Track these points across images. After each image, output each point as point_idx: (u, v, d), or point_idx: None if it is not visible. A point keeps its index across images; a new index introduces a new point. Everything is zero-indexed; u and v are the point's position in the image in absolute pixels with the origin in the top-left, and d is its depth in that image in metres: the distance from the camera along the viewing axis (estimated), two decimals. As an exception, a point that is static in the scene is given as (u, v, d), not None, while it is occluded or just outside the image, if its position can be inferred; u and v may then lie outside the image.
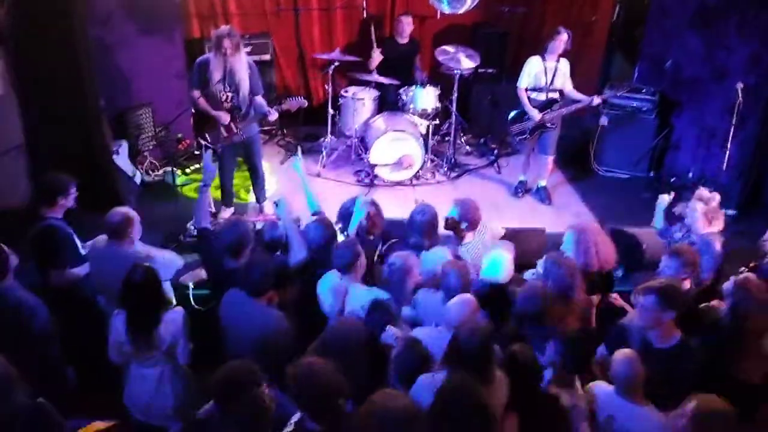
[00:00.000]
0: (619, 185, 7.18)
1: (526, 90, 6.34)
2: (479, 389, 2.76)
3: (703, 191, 4.57)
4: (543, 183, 6.81)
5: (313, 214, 4.53)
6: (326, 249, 4.05)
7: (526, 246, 4.86)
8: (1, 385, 2.81)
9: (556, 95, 6.37)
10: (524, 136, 6.49)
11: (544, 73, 6.27)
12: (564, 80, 6.36)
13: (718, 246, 4.29)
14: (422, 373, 3.09)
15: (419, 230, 4.34)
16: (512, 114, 6.53)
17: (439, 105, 7.23)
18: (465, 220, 4.47)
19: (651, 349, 3.39)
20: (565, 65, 6.32)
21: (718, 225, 4.42)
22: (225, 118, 5.54)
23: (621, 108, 7.21)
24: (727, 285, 3.73)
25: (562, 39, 6.13)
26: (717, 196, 4.55)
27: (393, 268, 3.85)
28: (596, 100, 6.29)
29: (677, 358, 3.33)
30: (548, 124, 6.39)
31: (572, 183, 7.18)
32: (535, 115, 6.31)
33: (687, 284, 3.89)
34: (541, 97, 6.37)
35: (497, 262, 3.96)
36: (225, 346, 3.66)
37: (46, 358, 3.61)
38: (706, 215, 4.40)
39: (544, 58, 6.25)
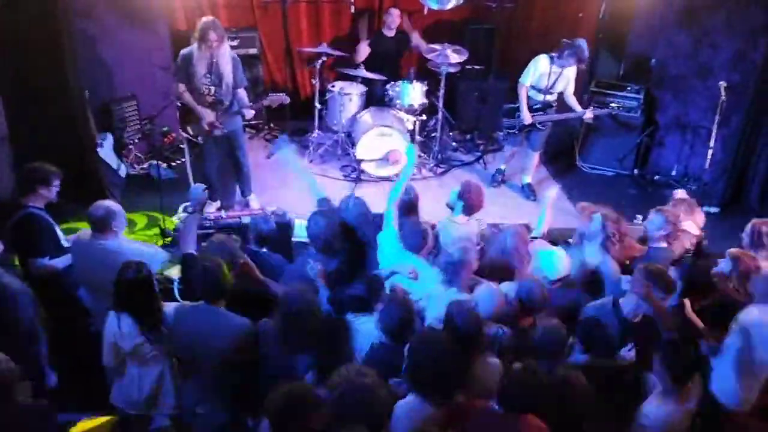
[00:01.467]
0: (604, 182, 7.24)
1: (527, 87, 6.36)
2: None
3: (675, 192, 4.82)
4: (528, 179, 6.84)
5: (320, 200, 4.50)
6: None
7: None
8: (2, 384, 2.82)
9: (553, 98, 6.41)
10: (513, 131, 6.55)
11: (548, 76, 6.28)
12: (566, 84, 6.38)
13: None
14: (408, 328, 3.28)
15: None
16: (505, 108, 6.61)
17: (426, 101, 7.26)
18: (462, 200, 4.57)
19: None
20: (571, 71, 6.31)
21: (693, 216, 4.56)
22: (209, 116, 5.53)
23: (606, 105, 7.26)
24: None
25: (581, 64, 6.19)
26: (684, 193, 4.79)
27: (450, 260, 3.82)
28: (588, 114, 6.36)
29: None
30: (538, 125, 6.43)
31: (557, 179, 7.22)
32: (526, 117, 6.35)
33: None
34: (539, 97, 6.41)
35: (551, 259, 4.08)
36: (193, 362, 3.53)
37: (29, 347, 3.60)
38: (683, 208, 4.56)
39: (552, 61, 6.23)
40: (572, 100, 6.44)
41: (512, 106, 6.54)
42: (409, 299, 3.51)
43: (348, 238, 4.13)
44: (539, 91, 6.37)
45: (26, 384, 3.21)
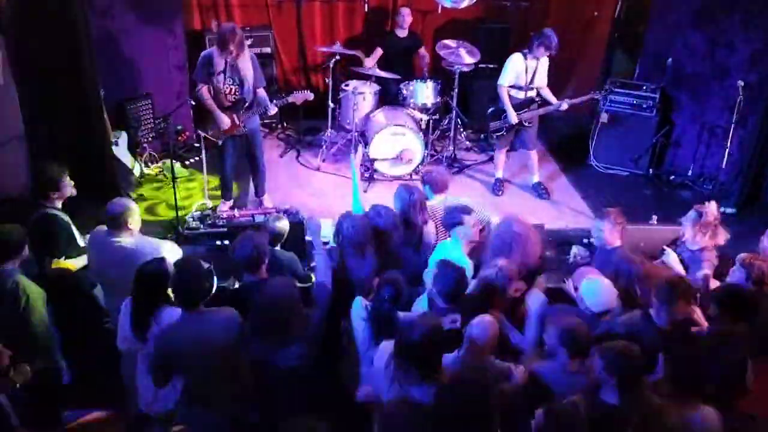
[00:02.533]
0: (619, 182, 7.19)
1: (507, 87, 6.35)
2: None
3: (707, 206, 4.41)
4: (536, 179, 6.82)
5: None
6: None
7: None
8: None
9: (534, 94, 6.41)
10: (501, 133, 6.53)
11: (525, 72, 6.28)
12: (542, 78, 6.38)
13: (706, 267, 4.22)
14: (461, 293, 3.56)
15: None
16: (491, 110, 6.57)
17: (439, 100, 7.25)
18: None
19: None
20: (545, 63, 6.33)
21: (715, 239, 4.35)
22: (226, 122, 5.57)
23: (621, 105, 7.21)
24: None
25: (551, 51, 6.13)
26: (715, 211, 4.39)
27: (498, 274, 3.68)
28: (564, 105, 6.33)
29: None
30: (525, 123, 6.42)
31: (570, 179, 7.19)
32: (513, 117, 6.33)
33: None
34: (521, 95, 6.40)
35: (592, 289, 3.76)
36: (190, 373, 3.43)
37: (42, 346, 3.64)
38: (698, 228, 4.34)
39: (525, 57, 6.25)
40: (547, 93, 6.43)
41: (495, 108, 6.52)
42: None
43: (381, 242, 4.12)
44: (519, 89, 6.36)
45: (24, 367, 3.24)
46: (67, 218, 4.26)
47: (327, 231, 4.49)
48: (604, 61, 8.34)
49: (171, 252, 4.20)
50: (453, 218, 4.17)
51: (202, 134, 5.72)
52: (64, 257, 4.19)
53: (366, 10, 7.80)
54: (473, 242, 4.20)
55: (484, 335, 3.25)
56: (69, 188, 4.30)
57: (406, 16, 7.41)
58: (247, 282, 3.83)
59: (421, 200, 4.45)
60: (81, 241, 4.32)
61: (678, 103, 7.15)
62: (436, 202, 4.68)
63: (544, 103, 6.45)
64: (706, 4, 6.69)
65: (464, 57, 6.99)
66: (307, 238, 5.13)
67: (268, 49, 7.59)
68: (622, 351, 2.99)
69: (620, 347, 3.03)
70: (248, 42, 6.95)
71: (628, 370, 2.97)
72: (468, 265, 3.96)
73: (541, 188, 6.79)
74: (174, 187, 5.70)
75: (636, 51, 7.80)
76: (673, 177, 7.05)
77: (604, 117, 7.23)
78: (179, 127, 7.11)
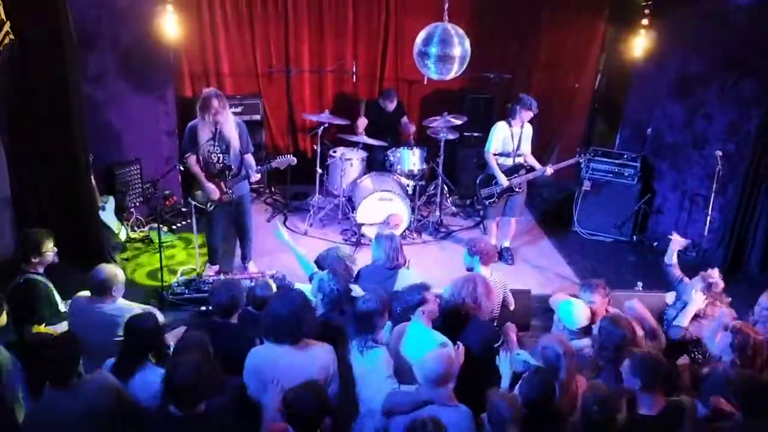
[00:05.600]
0: (603, 248, 7.24)
1: (494, 155, 6.45)
2: None
3: (710, 272, 4.51)
4: (506, 244, 6.86)
5: (310, 277, 4.49)
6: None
7: (521, 304, 4.99)
8: None
9: (521, 160, 6.51)
10: (493, 200, 6.56)
11: (511, 139, 6.40)
12: (526, 145, 6.51)
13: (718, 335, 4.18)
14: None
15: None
16: (480, 177, 6.65)
17: (425, 166, 7.35)
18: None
19: None
20: (528, 130, 6.47)
21: (718, 310, 4.40)
22: (215, 192, 5.58)
23: (603, 173, 7.33)
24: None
25: (532, 111, 6.28)
26: (720, 282, 4.48)
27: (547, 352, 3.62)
28: (549, 170, 6.46)
29: None
30: (516, 189, 6.49)
31: (555, 245, 7.23)
32: (504, 181, 6.41)
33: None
34: (509, 162, 6.49)
35: (567, 309, 4.14)
36: None
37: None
38: (709, 297, 4.43)
39: (510, 124, 6.38)
40: (531, 159, 6.57)
41: (485, 175, 6.59)
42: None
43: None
44: (507, 155, 6.47)
45: None
46: (48, 284, 4.19)
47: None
48: (585, 131, 8.54)
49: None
50: (415, 298, 3.92)
51: (192, 202, 5.72)
52: (44, 323, 4.08)
53: (354, 79, 7.98)
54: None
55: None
56: (51, 255, 4.25)
57: (408, 126, 7.77)
58: (216, 322, 3.87)
59: (400, 242, 4.69)
60: (63, 307, 4.23)
61: (659, 172, 7.29)
62: (485, 274, 4.58)
63: (532, 169, 6.54)
64: (684, 76, 6.90)
65: (450, 121, 7.08)
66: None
67: (257, 117, 7.69)
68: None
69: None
70: (238, 109, 7.10)
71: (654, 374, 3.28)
72: (442, 342, 3.79)
73: (508, 254, 6.80)
74: (160, 252, 5.65)
75: (616, 120, 8.00)
76: (656, 243, 7.10)
77: (586, 184, 7.33)
78: (167, 192, 7.12)
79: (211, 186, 5.58)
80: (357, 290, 4.12)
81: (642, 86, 7.49)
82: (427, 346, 3.60)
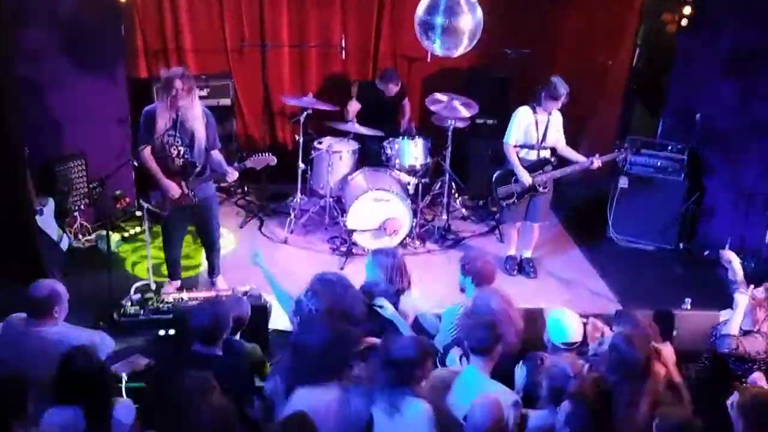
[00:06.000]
0: (644, 258, 7.27)
1: (515, 147, 6.44)
2: None
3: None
4: (527, 254, 6.87)
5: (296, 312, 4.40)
6: None
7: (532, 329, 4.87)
8: None
9: (548, 153, 6.49)
10: (512, 201, 6.53)
11: (535, 128, 6.37)
12: (558, 135, 6.48)
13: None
14: None
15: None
16: (497, 174, 6.61)
17: (429, 160, 7.37)
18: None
19: None
20: (557, 118, 6.44)
21: None
22: (175, 189, 5.58)
23: (643, 167, 7.36)
24: None
25: (558, 101, 6.23)
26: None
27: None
28: (596, 162, 6.33)
29: None
30: (540, 188, 6.46)
31: (586, 255, 7.26)
32: (526, 178, 6.38)
33: None
34: (532, 155, 6.47)
35: (557, 321, 4.26)
36: None
37: None
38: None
39: (534, 110, 6.36)
40: (569, 152, 6.51)
41: (503, 171, 6.55)
42: None
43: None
44: (530, 148, 6.43)
45: None
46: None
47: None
48: (621, 118, 8.57)
49: (102, 344, 4.15)
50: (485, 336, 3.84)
51: (145, 205, 5.70)
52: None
53: (344, 56, 7.99)
54: None
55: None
56: None
57: (393, 86, 7.71)
58: (196, 352, 3.85)
59: (403, 262, 4.61)
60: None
61: (709, 166, 7.32)
62: (414, 294, 4.66)
63: (561, 163, 6.52)
64: (737, 50, 6.92)
65: (459, 110, 7.13)
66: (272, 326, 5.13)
67: (227, 101, 7.71)
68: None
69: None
70: (204, 93, 7.09)
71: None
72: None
73: (530, 266, 6.83)
74: (109, 264, 5.64)
75: (657, 105, 8.03)
76: (707, 252, 7.13)
77: (623, 182, 7.36)
78: (118, 193, 7.04)
79: (171, 183, 5.57)
80: (386, 305, 4.21)
81: (688, 64, 7.52)
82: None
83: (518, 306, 4.67)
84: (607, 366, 3.80)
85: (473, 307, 4.25)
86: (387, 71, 7.77)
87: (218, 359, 3.87)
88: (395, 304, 4.50)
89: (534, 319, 4.93)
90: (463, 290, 4.74)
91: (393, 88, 7.69)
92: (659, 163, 7.33)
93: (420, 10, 5.55)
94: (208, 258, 6.18)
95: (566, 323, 4.24)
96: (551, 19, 8.27)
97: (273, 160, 5.86)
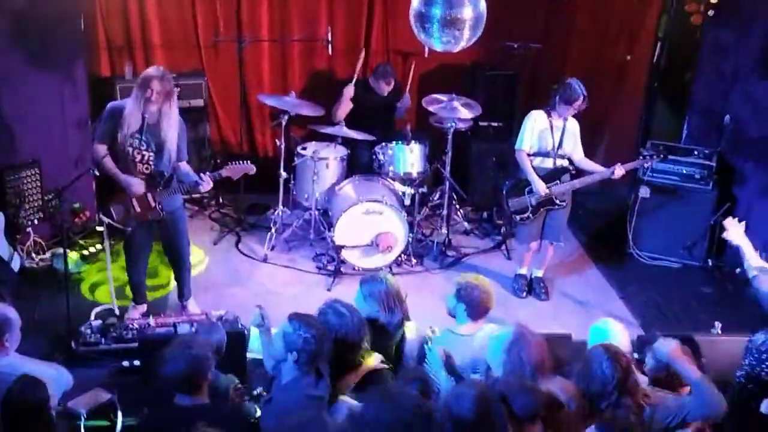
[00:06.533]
0: (668, 277, 7.29)
1: (529, 154, 6.43)
2: None
3: None
4: (539, 273, 6.88)
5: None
6: None
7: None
8: None
9: (566, 162, 6.49)
10: (526, 215, 6.51)
11: (551, 133, 6.38)
12: (574, 145, 6.48)
13: None
14: None
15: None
16: (508, 183, 6.61)
17: (427, 168, 7.37)
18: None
19: None
20: (574, 126, 6.43)
21: None
22: (138, 186, 5.54)
23: (667, 175, 7.38)
24: None
25: (572, 107, 6.23)
26: None
27: None
28: (618, 171, 6.30)
29: None
30: (557, 201, 6.46)
31: (604, 273, 7.27)
32: (542, 188, 6.37)
33: None
34: (548, 163, 6.47)
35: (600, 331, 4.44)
36: None
37: None
38: None
39: (549, 114, 6.37)
40: (587, 164, 6.51)
41: (516, 180, 6.54)
42: None
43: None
44: (546, 155, 6.43)
45: None
46: None
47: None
48: (641, 120, 8.59)
49: (58, 378, 4.13)
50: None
51: (106, 220, 5.67)
52: None
53: (330, 52, 8.01)
54: None
55: None
56: None
57: (385, 85, 7.69)
58: (180, 406, 3.76)
59: (396, 287, 4.53)
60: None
61: (740, 173, 7.34)
62: (466, 331, 4.52)
63: (579, 173, 6.51)
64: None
65: (459, 112, 7.13)
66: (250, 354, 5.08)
67: (199, 102, 7.73)
68: None
69: None
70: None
71: None
72: None
73: (540, 286, 6.83)
74: (66, 287, 5.61)
75: (682, 105, 8.06)
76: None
77: (644, 191, 7.37)
78: (77, 206, 7.06)
79: (134, 180, 5.52)
80: (411, 328, 4.27)
81: (716, 60, 7.56)
82: None
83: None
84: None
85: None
86: (380, 67, 7.78)
87: (209, 410, 3.73)
88: (401, 337, 4.51)
89: (559, 343, 4.95)
90: (452, 316, 4.65)
91: (385, 87, 7.68)
92: (684, 171, 7.34)
93: (416, 0, 5.55)
94: (177, 279, 6.15)
95: (613, 337, 4.32)
96: (562, 9, 8.33)
97: (251, 168, 5.84)
